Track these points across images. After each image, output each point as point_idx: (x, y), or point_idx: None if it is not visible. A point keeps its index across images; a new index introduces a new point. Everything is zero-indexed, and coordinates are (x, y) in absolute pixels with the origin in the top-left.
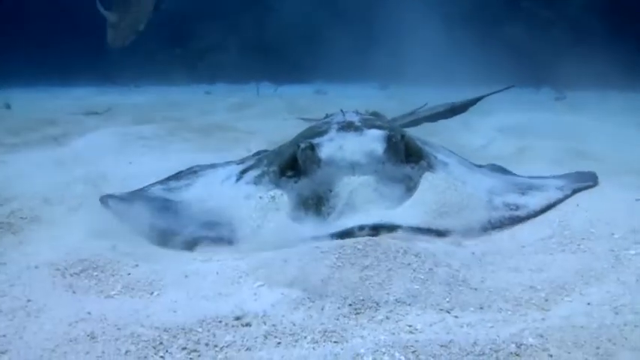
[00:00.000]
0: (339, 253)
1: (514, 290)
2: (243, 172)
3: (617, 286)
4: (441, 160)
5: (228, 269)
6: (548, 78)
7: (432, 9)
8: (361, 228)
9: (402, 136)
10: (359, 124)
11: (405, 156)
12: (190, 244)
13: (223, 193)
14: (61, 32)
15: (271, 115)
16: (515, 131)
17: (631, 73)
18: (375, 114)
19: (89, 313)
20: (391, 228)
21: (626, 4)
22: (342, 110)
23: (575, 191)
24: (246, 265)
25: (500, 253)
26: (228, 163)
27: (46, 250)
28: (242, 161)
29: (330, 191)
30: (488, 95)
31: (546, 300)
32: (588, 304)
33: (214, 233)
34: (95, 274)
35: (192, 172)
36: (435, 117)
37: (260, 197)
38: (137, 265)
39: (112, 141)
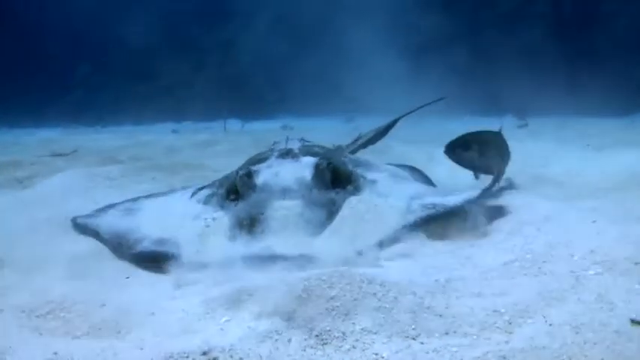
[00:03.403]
0: (305, 285)
1: (478, 315)
2: (200, 188)
3: (577, 305)
4: (370, 180)
5: (195, 305)
6: (511, 106)
7: (397, 41)
8: (283, 258)
9: (329, 164)
10: (297, 151)
11: (334, 181)
12: (140, 260)
13: (178, 208)
14: (25, 73)
15: (239, 152)
16: None
17: (588, 100)
18: (340, 147)
19: (55, 353)
20: (308, 259)
21: (584, 34)
22: (287, 137)
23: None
24: (213, 301)
25: (464, 279)
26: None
27: (11, 293)
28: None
29: (262, 214)
30: (402, 116)
31: (510, 323)
32: (550, 324)
33: (163, 251)
34: (62, 315)
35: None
36: (374, 139)
37: (205, 219)
38: (104, 305)
39: (79, 182)
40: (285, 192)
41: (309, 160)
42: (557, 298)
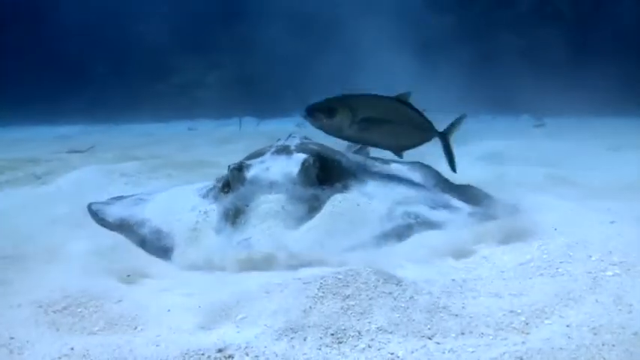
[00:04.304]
0: (321, 283)
1: (495, 315)
2: (206, 185)
3: (595, 307)
4: (360, 179)
5: (211, 302)
6: (527, 106)
7: (413, 40)
8: (258, 253)
9: (315, 161)
10: (293, 148)
11: (322, 178)
12: (139, 242)
13: (181, 200)
14: (44, 71)
15: (253, 150)
16: (494, 158)
17: (606, 100)
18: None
19: (72, 349)
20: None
21: (601, 34)
22: (290, 135)
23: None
24: (228, 298)
25: (481, 279)
26: None
27: (28, 288)
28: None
29: (247, 205)
30: None
31: (527, 323)
32: (567, 326)
33: (157, 240)
34: (78, 310)
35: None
36: None
37: (199, 211)
38: (120, 301)
39: (95, 179)
40: (271, 186)
41: (300, 157)
42: (574, 299)
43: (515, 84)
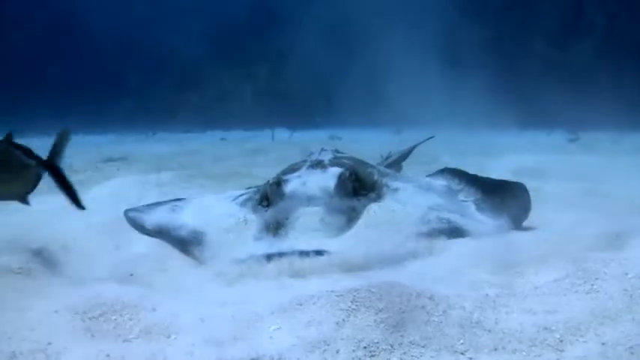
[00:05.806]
0: (354, 296)
1: (528, 331)
2: (242, 194)
3: (632, 325)
4: (392, 188)
5: (244, 313)
6: (561, 119)
7: (445, 54)
8: (300, 253)
9: (351, 174)
10: (327, 162)
11: (357, 189)
12: (178, 245)
13: (217, 207)
14: (80, 81)
15: (286, 161)
16: (528, 173)
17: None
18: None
19: (108, 355)
20: (319, 253)
21: (634, 47)
22: (322, 149)
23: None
24: (262, 309)
25: (514, 294)
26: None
27: (64, 294)
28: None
29: (287, 218)
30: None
31: (561, 341)
32: (603, 344)
33: (196, 244)
34: (113, 317)
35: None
36: (401, 158)
37: (239, 219)
38: (154, 309)
39: (130, 188)
40: (310, 199)
41: (335, 171)
42: (610, 317)
43: (548, 97)
